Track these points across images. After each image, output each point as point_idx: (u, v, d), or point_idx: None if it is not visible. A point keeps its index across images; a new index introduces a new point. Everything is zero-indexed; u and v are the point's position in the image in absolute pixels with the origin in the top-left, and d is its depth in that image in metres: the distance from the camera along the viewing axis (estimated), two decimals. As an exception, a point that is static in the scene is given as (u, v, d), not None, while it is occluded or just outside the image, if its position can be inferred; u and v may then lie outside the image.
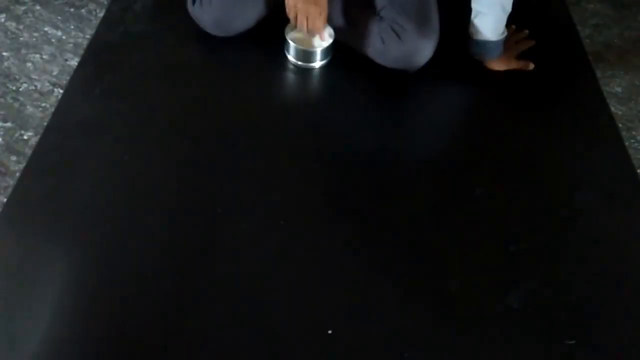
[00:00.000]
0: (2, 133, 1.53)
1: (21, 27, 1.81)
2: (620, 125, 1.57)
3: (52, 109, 1.33)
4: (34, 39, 1.78)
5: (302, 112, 1.25)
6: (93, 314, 0.91)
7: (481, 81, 1.30)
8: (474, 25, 1.25)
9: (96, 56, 1.30)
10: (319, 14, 1.19)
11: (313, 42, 1.30)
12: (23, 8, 1.87)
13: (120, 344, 0.88)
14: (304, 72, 1.31)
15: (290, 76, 1.31)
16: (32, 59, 1.72)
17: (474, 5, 1.23)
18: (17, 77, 1.67)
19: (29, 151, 1.45)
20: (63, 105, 1.20)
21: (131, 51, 1.31)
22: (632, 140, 1.62)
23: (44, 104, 1.60)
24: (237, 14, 1.29)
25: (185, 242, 1.00)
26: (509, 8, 1.21)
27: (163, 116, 1.20)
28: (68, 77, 1.39)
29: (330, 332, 0.90)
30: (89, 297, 0.93)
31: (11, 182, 1.41)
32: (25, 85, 1.65)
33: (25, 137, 1.53)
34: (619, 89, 1.74)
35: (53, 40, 1.78)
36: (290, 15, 1.22)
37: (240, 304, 0.93)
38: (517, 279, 0.99)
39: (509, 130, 1.23)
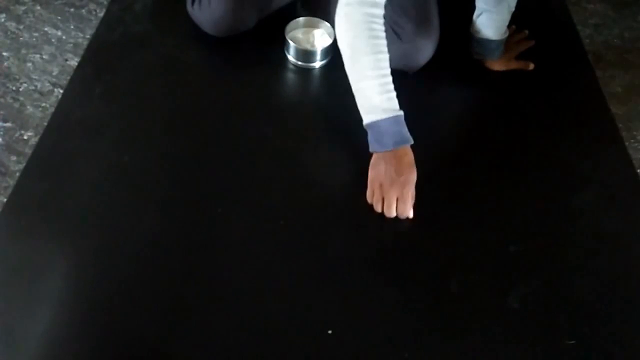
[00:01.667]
0: (2, 133, 1.53)
1: (21, 27, 1.81)
2: (620, 125, 1.56)
3: (52, 109, 1.33)
4: (34, 39, 1.78)
5: (302, 112, 1.25)
6: (93, 313, 0.91)
7: (481, 81, 1.30)
8: (476, 23, 1.25)
9: (96, 56, 1.30)
10: (409, 197, 1.02)
11: (313, 42, 1.31)
12: (23, 8, 1.87)
13: (119, 344, 0.88)
14: (304, 72, 1.30)
15: (290, 76, 1.31)
16: (32, 59, 1.72)
17: (478, 3, 1.23)
18: (17, 77, 1.67)
19: (29, 151, 1.45)
20: (63, 105, 1.20)
21: (131, 51, 1.31)
22: (632, 140, 1.62)
23: (44, 104, 1.60)
24: (236, 14, 1.28)
25: (185, 242, 1.00)
26: (513, 7, 1.21)
27: (163, 116, 1.20)
28: (68, 77, 1.39)
29: (330, 332, 0.90)
30: (89, 297, 0.93)
31: (11, 182, 1.41)
32: (25, 85, 1.65)
33: (25, 137, 1.53)
34: (619, 89, 1.74)
35: (53, 40, 1.78)
36: (372, 200, 1.04)
37: (240, 304, 0.93)
38: (517, 279, 0.99)
39: (509, 131, 1.22)
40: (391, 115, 1.02)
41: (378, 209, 1.04)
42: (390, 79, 1.03)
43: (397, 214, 1.03)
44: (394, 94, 1.03)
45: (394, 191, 1.02)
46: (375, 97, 1.02)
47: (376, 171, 1.05)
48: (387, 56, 1.02)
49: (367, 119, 1.05)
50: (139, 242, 1.00)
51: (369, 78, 1.02)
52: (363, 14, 1.00)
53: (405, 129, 1.04)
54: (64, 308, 0.92)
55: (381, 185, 1.04)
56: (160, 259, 0.98)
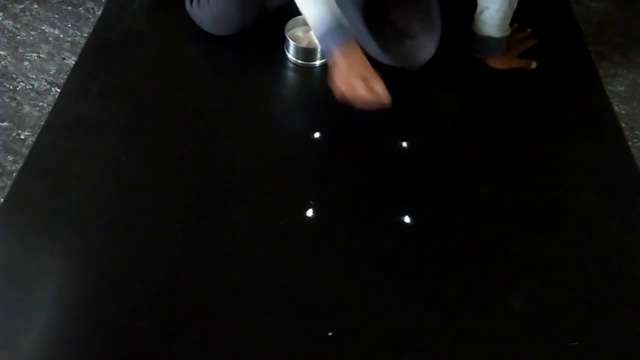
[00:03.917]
0: (-1, 132, 1.53)
1: (18, 25, 1.81)
2: (623, 124, 1.56)
3: (49, 108, 1.32)
4: (32, 38, 1.77)
5: (302, 110, 1.24)
6: (91, 314, 0.90)
7: (483, 80, 1.29)
8: (478, 21, 1.24)
9: (94, 55, 1.29)
10: (374, 79, 1.07)
11: (313, 40, 1.29)
12: (20, 6, 1.87)
13: (118, 344, 0.88)
14: (304, 71, 1.29)
15: (291, 75, 1.30)
16: (29, 57, 1.71)
17: (480, 1, 1.22)
18: (14, 76, 1.66)
19: (26, 151, 1.44)
20: (60, 105, 1.20)
21: (129, 50, 1.31)
22: (635, 140, 1.61)
23: (41, 103, 1.59)
24: (235, 13, 1.27)
25: (184, 242, 0.99)
26: (515, 5, 1.21)
27: (161, 115, 1.19)
28: (65, 76, 1.39)
29: (330, 334, 0.89)
30: (87, 297, 0.92)
31: (8, 182, 1.41)
32: (22, 84, 1.64)
33: (22, 137, 1.52)
34: (622, 88, 1.73)
35: (50, 38, 1.77)
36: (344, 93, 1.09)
37: (240, 306, 0.92)
38: (519, 280, 0.98)
39: (511, 130, 1.22)
40: (324, 19, 1.07)
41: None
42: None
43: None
44: (326, 7, 1.08)
45: (354, 82, 1.06)
46: (312, 13, 1.08)
47: (335, 73, 1.08)
48: None
49: (316, 32, 1.09)
50: (137, 242, 0.99)
51: (313, 3, 1.08)
52: None
53: (342, 28, 1.08)
54: (62, 308, 0.91)
55: (344, 79, 1.07)
56: (158, 258, 0.97)
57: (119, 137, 1.14)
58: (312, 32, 1.26)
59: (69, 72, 1.28)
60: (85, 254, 0.97)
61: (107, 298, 0.92)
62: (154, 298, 0.92)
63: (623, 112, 1.66)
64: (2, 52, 1.72)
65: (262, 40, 1.30)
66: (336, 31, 1.08)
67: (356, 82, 1.06)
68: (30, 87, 1.64)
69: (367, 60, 1.09)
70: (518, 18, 1.27)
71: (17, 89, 1.63)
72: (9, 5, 1.87)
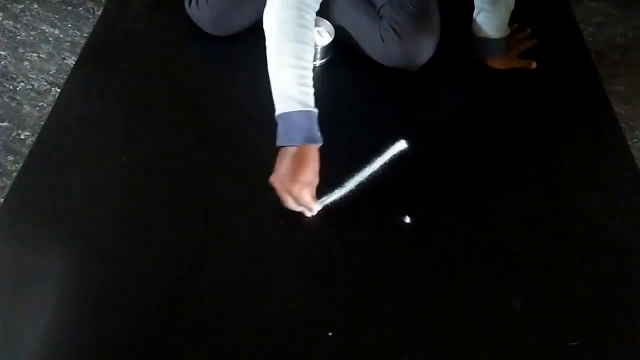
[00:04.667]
0: (-1, 133, 1.53)
1: (18, 25, 1.81)
2: (623, 124, 1.56)
3: (50, 108, 1.32)
4: (32, 38, 1.77)
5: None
6: (91, 314, 0.90)
7: (482, 80, 1.29)
8: (476, 22, 1.24)
9: (94, 55, 1.29)
10: (305, 198, 0.98)
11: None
12: (20, 6, 1.87)
13: (118, 344, 0.88)
14: (304, 71, 1.29)
15: (290, 75, 1.30)
16: (29, 57, 1.71)
17: (476, 2, 1.22)
18: (14, 76, 1.66)
19: (26, 151, 1.44)
20: (60, 105, 1.19)
21: (129, 50, 1.30)
22: (635, 140, 1.61)
23: (41, 103, 1.59)
24: (234, 13, 1.27)
25: (184, 242, 0.99)
26: (512, 5, 1.21)
27: (161, 115, 1.19)
28: (65, 76, 1.38)
29: (330, 334, 0.89)
30: (87, 298, 0.92)
31: (8, 182, 1.41)
32: (22, 84, 1.64)
33: (22, 137, 1.52)
34: (621, 88, 1.73)
35: (50, 38, 1.77)
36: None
37: (240, 306, 0.92)
38: (519, 280, 0.98)
39: (511, 130, 1.22)
40: (305, 109, 0.97)
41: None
42: (310, 74, 0.98)
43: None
44: (312, 90, 0.98)
45: (291, 191, 0.97)
46: (292, 87, 0.97)
47: (278, 169, 0.99)
48: (312, 49, 0.99)
49: (280, 109, 0.98)
50: (137, 242, 0.99)
51: (291, 66, 0.97)
52: (298, 0, 0.98)
53: (317, 128, 0.98)
54: (62, 308, 0.91)
55: (281, 185, 0.98)
56: (158, 258, 0.97)
57: (119, 137, 1.14)
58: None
59: (69, 72, 1.28)
60: (85, 254, 0.97)
61: (108, 298, 0.92)
62: (154, 298, 0.92)
63: (623, 112, 1.66)
64: (2, 52, 1.72)
65: (262, 40, 1.30)
66: (308, 120, 0.96)
67: (297, 190, 0.96)
68: (30, 87, 1.64)
69: (314, 174, 0.98)
70: (518, 18, 1.27)
71: (17, 89, 1.63)
72: (9, 5, 1.87)
